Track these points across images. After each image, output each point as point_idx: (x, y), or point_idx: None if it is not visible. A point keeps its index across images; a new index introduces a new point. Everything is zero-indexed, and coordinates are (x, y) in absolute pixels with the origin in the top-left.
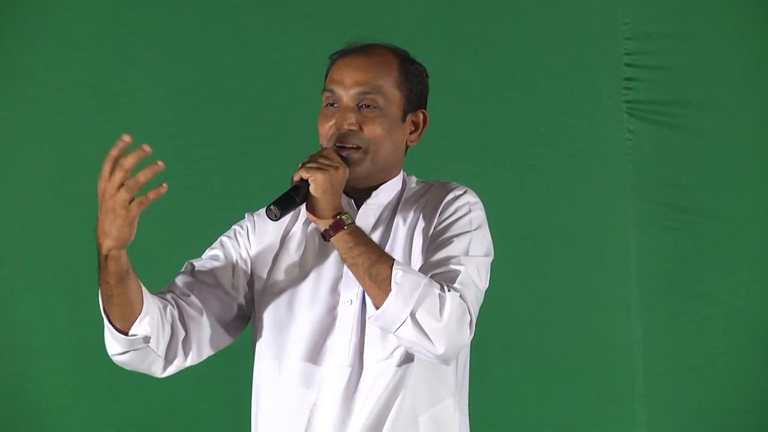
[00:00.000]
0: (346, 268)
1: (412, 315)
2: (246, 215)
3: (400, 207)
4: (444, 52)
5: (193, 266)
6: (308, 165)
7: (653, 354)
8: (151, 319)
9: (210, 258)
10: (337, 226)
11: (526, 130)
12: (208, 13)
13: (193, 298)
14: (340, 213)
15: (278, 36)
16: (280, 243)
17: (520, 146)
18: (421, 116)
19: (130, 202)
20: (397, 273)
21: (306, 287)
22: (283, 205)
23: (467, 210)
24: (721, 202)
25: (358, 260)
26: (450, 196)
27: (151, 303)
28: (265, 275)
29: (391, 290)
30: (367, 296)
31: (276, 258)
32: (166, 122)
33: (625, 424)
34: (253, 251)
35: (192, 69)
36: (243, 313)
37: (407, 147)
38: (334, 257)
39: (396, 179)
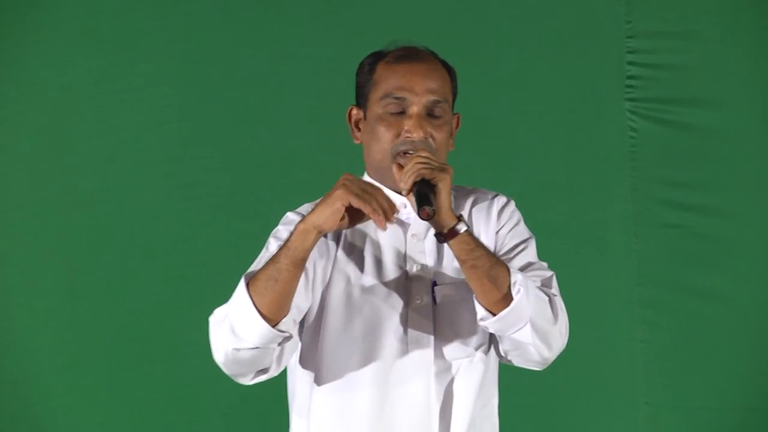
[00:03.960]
0: (412, 268)
1: (531, 320)
2: (290, 215)
3: None
4: (445, 51)
5: None
6: (427, 166)
7: (655, 352)
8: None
9: None
10: (459, 227)
11: (529, 128)
12: (209, 13)
13: None
14: (458, 214)
15: (279, 35)
16: (336, 243)
17: (523, 144)
18: (456, 120)
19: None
20: (517, 278)
21: (371, 287)
22: (430, 204)
23: (519, 217)
24: (724, 200)
25: (478, 262)
26: (499, 203)
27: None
28: (327, 277)
29: (513, 295)
30: (439, 294)
31: (335, 260)
32: (166, 121)
33: (626, 422)
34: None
35: (192, 68)
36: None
37: None
38: (397, 256)
39: None
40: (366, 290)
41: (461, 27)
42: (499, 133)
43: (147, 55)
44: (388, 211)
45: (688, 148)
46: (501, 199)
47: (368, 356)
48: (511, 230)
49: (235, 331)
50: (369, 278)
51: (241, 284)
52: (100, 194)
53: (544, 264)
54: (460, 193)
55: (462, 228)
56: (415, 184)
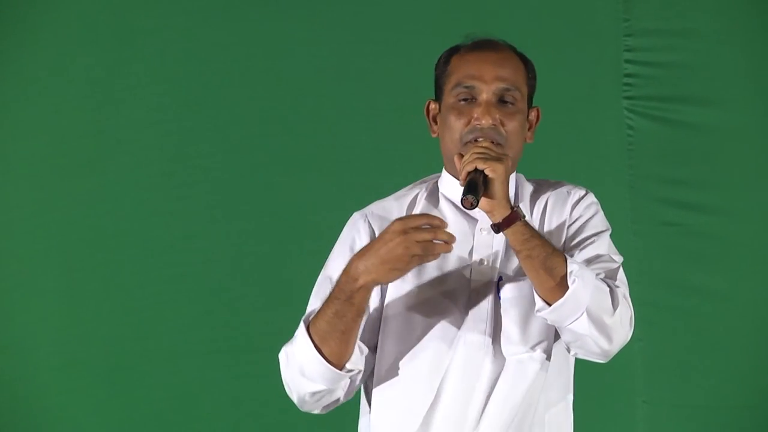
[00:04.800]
0: (477, 262)
1: (588, 310)
2: (357, 218)
3: (520, 204)
4: (443, 49)
5: None
6: (482, 156)
7: (653, 350)
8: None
9: None
10: (514, 217)
11: None
12: (207, 11)
13: None
14: (515, 204)
15: (277, 33)
16: None
17: None
18: (535, 113)
19: (413, 257)
20: (573, 267)
21: (433, 280)
22: (475, 194)
23: (596, 210)
24: (722, 198)
25: (534, 252)
26: (575, 196)
27: None
28: None
29: (568, 285)
30: (503, 289)
31: None
32: (164, 120)
33: (625, 421)
34: None
35: (191, 66)
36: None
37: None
38: (460, 251)
39: (513, 176)
40: (428, 283)
41: (458, 26)
42: None
43: (145, 55)
44: (448, 241)
45: (686, 146)
46: (577, 193)
47: (426, 349)
48: (584, 223)
49: (305, 373)
50: (432, 271)
51: (303, 331)
52: (98, 193)
53: (616, 257)
54: (543, 185)
55: (516, 218)
56: (469, 173)
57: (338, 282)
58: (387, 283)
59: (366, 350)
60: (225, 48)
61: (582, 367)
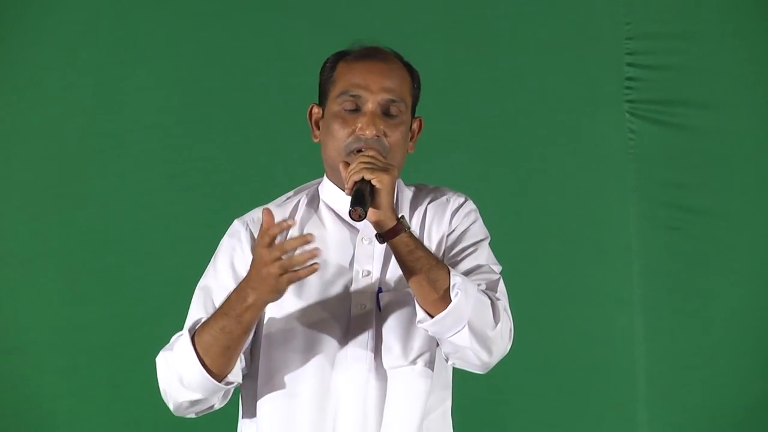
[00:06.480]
0: (358, 273)
1: (470, 323)
2: (237, 226)
3: (398, 212)
4: (445, 52)
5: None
6: (369, 165)
7: (655, 353)
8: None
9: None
10: (399, 228)
11: (528, 130)
12: (209, 13)
13: None
14: (400, 216)
15: (279, 36)
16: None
17: (522, 146)
18: (418, 123)
19: (281, 275)
20: (456, 280)
21: (313, 291)
22: (362, 206)
23: (475, 217)
24: (723, 202)
25: (417, 264)
26: (455, 204)
27: None
28: None
29: (451, 297)
30: (384, 301)
31: None
32: (166, 122)
33: (626, 423)
34: None
35: (193, 69)
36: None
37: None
38: (340, 262)
39: None
40: (308, 295)
41: (460, 29)
42: (498, 135)
43: (147, 56)
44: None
45: (688, 149)
46: (457, 200)
47: (308, 363)
48: (463, 232)
49: (183, 382)
50: (313, 282)
51: (187, 341)
52: (100, 196)
53: (496, 267)
54: (422, 191)
55: (401, 229)
56: (356, 183)
57: (229, 298)
58: (271, 301)
59: (245, 362)
60: (228, 51)
61: (583, 370)
